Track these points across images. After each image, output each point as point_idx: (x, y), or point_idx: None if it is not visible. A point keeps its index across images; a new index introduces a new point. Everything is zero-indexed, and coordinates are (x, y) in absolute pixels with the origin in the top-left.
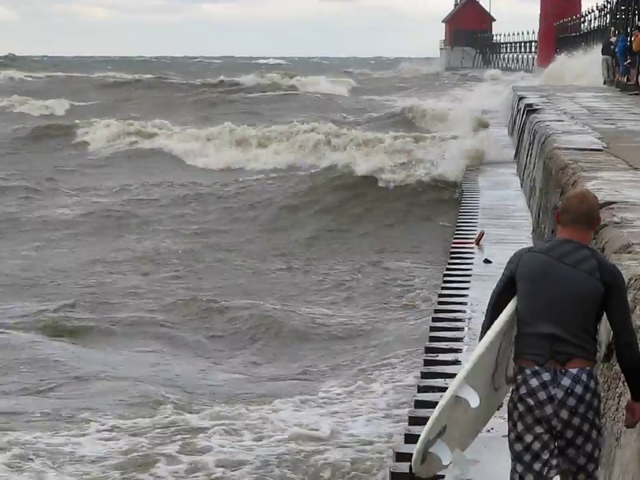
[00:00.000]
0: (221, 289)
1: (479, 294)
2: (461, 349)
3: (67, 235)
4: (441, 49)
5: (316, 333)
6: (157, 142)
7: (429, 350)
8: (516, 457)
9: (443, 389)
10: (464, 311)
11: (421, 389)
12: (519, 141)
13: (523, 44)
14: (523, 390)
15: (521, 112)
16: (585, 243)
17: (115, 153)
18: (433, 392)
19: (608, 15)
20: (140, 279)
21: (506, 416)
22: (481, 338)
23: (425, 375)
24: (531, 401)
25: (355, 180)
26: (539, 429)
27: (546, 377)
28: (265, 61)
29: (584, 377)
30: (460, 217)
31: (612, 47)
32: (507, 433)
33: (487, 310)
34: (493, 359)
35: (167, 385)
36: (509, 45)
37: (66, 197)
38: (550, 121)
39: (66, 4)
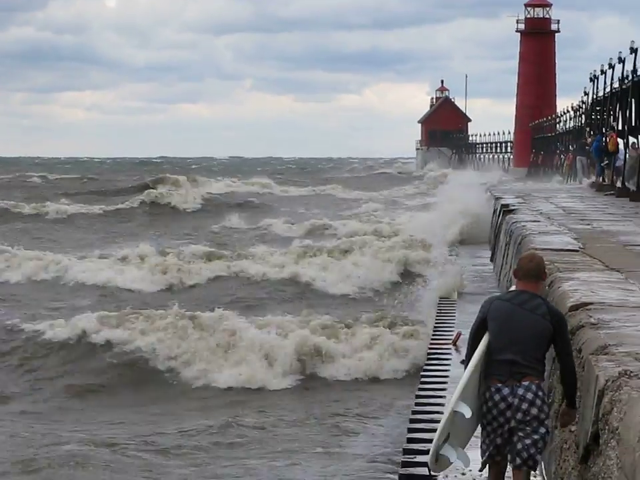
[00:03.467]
0: None
1: None
2: None
3: None
4: (417, 149)
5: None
6: None
7: (407, 451)
8: (483, 449)
9: None
10: (441, 412)
11: None
12: (495, 241)
13: (498, 144)
14: (490, 404)
15: (497, 212)
16: (536, 292)
17: None
18: None
19: (583, 116)
20: None
21: None
22: (465, 365)
23: (402, 478)
24: (495, 411)
25: None
26: (499, 430)
27: (506, 391)
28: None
29: (533, 388)
30: (437, 317)
31: (587, 147)
32: None
33: (468, 342)
34: (477, 379)
35: None
36: (484, 145)
37: None
38: (526, 221)
39: (45, 105)
